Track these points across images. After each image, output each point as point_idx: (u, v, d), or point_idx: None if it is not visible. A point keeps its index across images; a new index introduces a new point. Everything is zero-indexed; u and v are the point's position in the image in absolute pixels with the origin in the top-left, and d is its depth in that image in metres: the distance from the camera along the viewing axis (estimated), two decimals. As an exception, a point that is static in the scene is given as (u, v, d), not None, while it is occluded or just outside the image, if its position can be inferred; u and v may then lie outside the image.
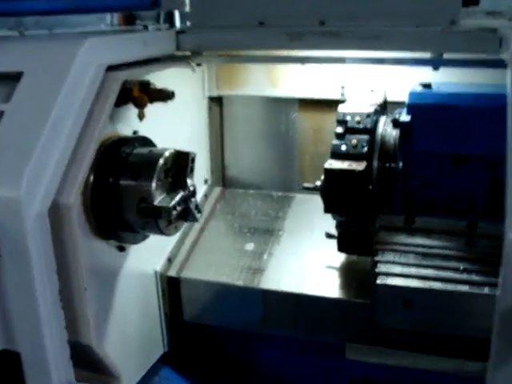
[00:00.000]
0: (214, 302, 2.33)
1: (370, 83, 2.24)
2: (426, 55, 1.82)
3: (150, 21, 2.37)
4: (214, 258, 2.41)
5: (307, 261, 2.32)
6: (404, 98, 2.22)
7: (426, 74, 2.16)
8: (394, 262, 1.78)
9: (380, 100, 2.11)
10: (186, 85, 2.44)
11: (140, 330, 2.18)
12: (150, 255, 2.22)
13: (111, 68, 1.64)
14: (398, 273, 1.73)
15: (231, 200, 2.74)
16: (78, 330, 1.52)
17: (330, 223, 2.18)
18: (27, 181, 1.39)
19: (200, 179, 2.65)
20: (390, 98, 2.24)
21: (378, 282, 1.72)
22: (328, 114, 2.53)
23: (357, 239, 2.06)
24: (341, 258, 2.28)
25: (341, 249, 2.14)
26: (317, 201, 2.39)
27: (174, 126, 2.31)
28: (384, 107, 2.15)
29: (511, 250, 1.06)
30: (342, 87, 2.39)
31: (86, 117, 1.53)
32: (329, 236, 2.21)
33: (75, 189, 1.45)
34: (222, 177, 2.79)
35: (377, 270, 1.75)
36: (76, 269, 1.48)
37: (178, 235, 2.40)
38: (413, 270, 1.73)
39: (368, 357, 1.81)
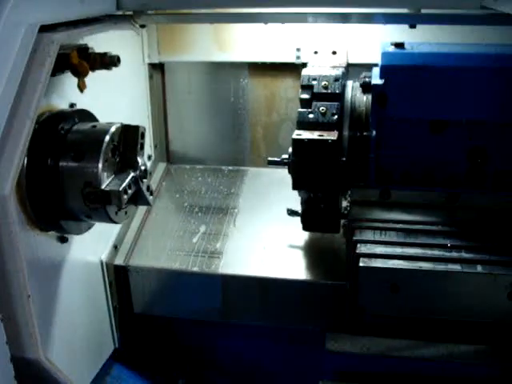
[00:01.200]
0: (167, 291, 2.14)
1: (329, 44, 2.03)
2: (402, 11, 1.64)
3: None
4: (164, 243, 2.21)
5: (268, 241, 2.15)
6: (368, 59, 2.07)
7: (389, 33, 2.02)
8: (374, 242, 1.62)
9: (343, 62, 1.92)
10: (124, 50, 2.14)
11: (88, 328, 1.99)
12: (93, 243, 2.01)
13: (45, 29, 1.36)
14: (381, 253, 1.57)
15: (178, 177, 2.51)
16: (22, 345, 1.28)
17: (288, 198, 2.01)
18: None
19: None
20: (351, 60, 2.06)
21: (361, 264, 1.55)
22: (281, 80, 2.37)
23: (325, 216, 1.88)
24: (304, 235, 2.12)
25: (306, 227, 1.96)
26: (272, 174, 2.21)
27: (111, 96, 2.08)
28: (347, 70, 1.97)
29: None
30: (298, 49, 2.20)
31: (18, 89, 1.25)
32: (292, 213, 2.03)
33: (11, 178, 1.18)
34: (166, 152, 2.56)
35: (358, 251, 1.58)
36: (16, 274, 1.23)
37: (122, 218, 2.16)
38: (397, 250, 1.58)
39: (350, 347, 1.66)
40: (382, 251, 1.58)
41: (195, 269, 2.07)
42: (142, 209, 2.29)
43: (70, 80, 1.66)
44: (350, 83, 1.87)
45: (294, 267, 2.01)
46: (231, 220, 2.26)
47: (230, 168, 2.50)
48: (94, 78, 1.72)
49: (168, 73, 2.44)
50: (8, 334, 1.26)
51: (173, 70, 2.44)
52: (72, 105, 1.78)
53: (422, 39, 1.91)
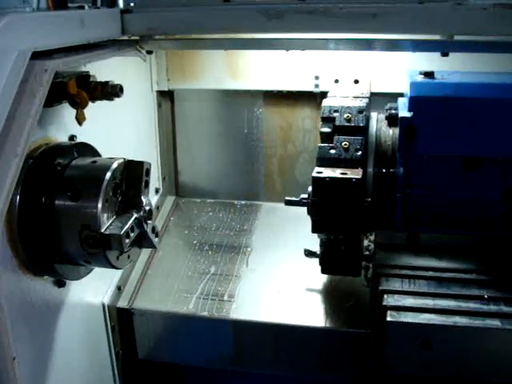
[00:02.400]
0: (174, 337, 1.99)
1: (351, 72, 1.89)
2: (432, 37, 1.49)
3: (86, 3, 1.96)
4: (171, 284, 2.07)
5: (283, 283, 2.00)
6: (392, 88, 1.93)
7: (415, 60, 1.88)
8: (403, 292, 1.45)
9: (366, 92, 1.77)
10: (130, 77, 2.10)
11: (87, 375, 1.85)
12: (95, 284, 1.88)
13: (38, 55, 1.23)
14: (411, 305, 1.40)
15: (187, 211, 2.37)
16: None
17: (305, 236, 1.85)
18: None
19: (150, 189, 2.25)
20: (374, 89, 1.91)
21: (389, 319, 1.38)
22: (298, 109, 2.26)
23: (345, 259, 1.72)
24: (322, 278, 1.97)
25: (325, 270, 1.80)
26: (288, 210, 2.05)
27: (117, 127, 1.98)
28: (370, 101, 1.82)
29: None
30: (317, 77, 2.06)
31: (5, 123, 1.11)
32: (309, 254, 1.88)
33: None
34: (175, 184, 2.44)
35: (385, 303, 1.41)
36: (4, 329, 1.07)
37: (126, 257, 2.01)
38: (429, 302, 1.41)
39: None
40: (411, 303, 1.41)
41: (204, 313, 1.91)
42: (148, 245, 2.15)
43: (69, 110, 1.53)
44: (374, 115, 1.72)
45: (312, 313, 1.86)
46: (243, 259, 2.11)
47: (243, 202, 2.36)
48: (98, 106, 1.60)
49: (178, 101, 2.33)
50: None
51: (183, 98, 2.33)
52: (72, 137, 1.65)
53: (450, 68, 1.76)
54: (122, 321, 1.96)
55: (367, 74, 1.86)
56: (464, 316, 1.37)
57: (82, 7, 1.79)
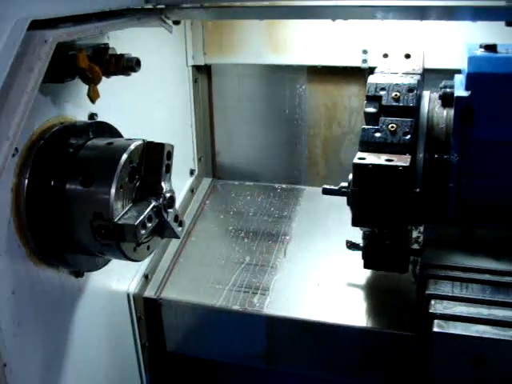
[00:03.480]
0: (205, 330, 1.90)
1: (402, 45, 1.70)
2: (496, 3, 1.28)
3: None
4: (202, 273, 1.98)
5: (323, 277, 1.85)
6: (448, 64, 1.74)
7: (475, 32, 1.69)
8: (454, 298, 1.27)
9: (419, 68, 1.57)
10: (164, 50, 2.04)
11: (111, 367, 1.77)
12: (119, 272, 1.79)
13: (40, 25, 1.09)
14: (462, 315, 1.22)
15: (224, 194, 2.26)
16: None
17: (349, 225, 1.67)
18: None
19: (185, 170, 2.25)
20: (428, 65, 1.72)
21: (436, 330, 1.20)
22: (344, 87, 2.10)
23: (391, 253, 1.55)
24: (365, 273, 1.80)
25: (368, 265, 1.63)
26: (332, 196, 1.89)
27: (147, 105, 1.90)
28: (423, 78, 1.62)
29: None
30: (364, 51, 1.88)
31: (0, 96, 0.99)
32: (352, 246, 1.71)
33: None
34: (211, 166, 2.34)
35: (432, 311, 1.24)
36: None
37: (156, 243, 1.91)
38: (483, 311, 1.23)
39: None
40: (463, 312, 1.23)
41: (236, 307, 1.79)
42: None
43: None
44: (426, 94, 1.54)
45: (353, 311, 1.72)
46: (281, 249, 1.98)
47: (284, 186, 2.23)
48: (125, 81, 1.48)
49: (215, 76, 2.24)
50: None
51: (220, 73, 2.23)
52: (92, 115, 1.53)
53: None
54: (148, 311, 1.90)
55: (420, 48, 1.66)
56: (525, 330, 1.18)
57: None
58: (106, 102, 1.56)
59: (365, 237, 1.60)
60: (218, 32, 2.05)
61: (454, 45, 1.71)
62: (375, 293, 1.77)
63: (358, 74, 2.00)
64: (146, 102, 1.85)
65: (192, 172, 2.19)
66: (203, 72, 2.18)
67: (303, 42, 1.98)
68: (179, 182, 2.14)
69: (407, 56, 1.67)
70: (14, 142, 1.10)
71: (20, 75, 1.07)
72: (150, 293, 1.88)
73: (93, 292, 1.63)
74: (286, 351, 1.81)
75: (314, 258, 1.92)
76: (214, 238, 2.08)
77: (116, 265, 1.72)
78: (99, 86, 1.47)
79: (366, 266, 1.68)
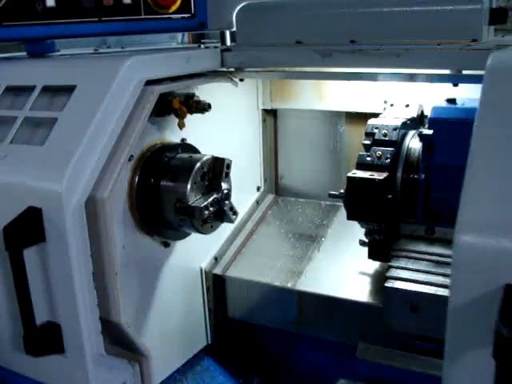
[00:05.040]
0: (256, 301, 2.50)
1: (408, 98, 2.32)
2: (444, 72, 1.89)
3: (215, 39, 2.62)
4: (258, 260, 2.58)
5: (343, 266, 2.43)
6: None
7: (464, 91, 2.24)
8: (405, 268, 1.87)
9: (413, 114, 2.20)
10: (241, 98, 2.64)
11: (182, 322, 2.35)
12: (196, 253, 2.42)
13: (151, 82, 1.86)
14: (406, 278, 1.83)
15: (282, 207, 2.90)
16: (108, 309, 1.74)
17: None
18: (68, 177, 1.63)
19: (252, 186, 2.84)
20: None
21: (387, 285, 1.82)
22: None
23: (384, 247, 2.15)
24: (375, 264, 2.38)
25: (370, 256, 2.24)
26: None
27: (225, 135, 2.50)
28: (420, 121, 2.24)
29: (460, 252, 1.15)
30: (385, 101, 2.49)
31: (124, 125, 1.75)
32: (362, 243, 2.32)
33: (110, 186, 1.67)
34: (275, 185, 2.95)
35: (387, 274, 1.85)
36: (108, 255, 1.70)
37: (225, 237, 2.61)
38: (422, 276, 1.82)
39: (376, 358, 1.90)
40: (408, 276, 1.83)
41: (277, 283, 2.43)
42: (246, 231, 2.73)
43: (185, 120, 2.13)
44: (411, 132, 2.14)
45: (361, 290, 2.27)
46: (317, 246, 2.60)
47: (327, 203, 2.83)
48: (209, 117, 2.13)
49: (279, 118, 2.85)
50: (99, 300, 1.74)
51: (283, 116, 2.84)
52: (183, 139, 2.26)
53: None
54: (215, 284, 2.48)
55: (418, 100, 2.28)
56: (445, 288, 1.76)
57: (199, 45, 2.45)
58: (193, 131, 2.20)
59: (366, 233, 2.23)
60: (281, 84, 2.67)
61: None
62: (379, 278, 2.34)
63: (383, 118, 2.61)
64: (224, 133, 2.42)
65: (258, 188, 2.82)
66: (270, 114, 2.80)
67: (341, 94, 2.56)
68: (248, 195, 2.77)
69: (407, 106, 2.30)
70: (130, 151, 1.84)
71: (138, 111, 1.75)
72: (217, 270, 2.47)
73: (175, 262, 2.21)
74: (311, 319, 2.38)
75: (340, 253, 2.50)
76: (270, 238, 2.73)
77: (193, 247, 2.31)
78: (187, 120, 2.09)
79: (369, 257, 2.29)
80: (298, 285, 2.40)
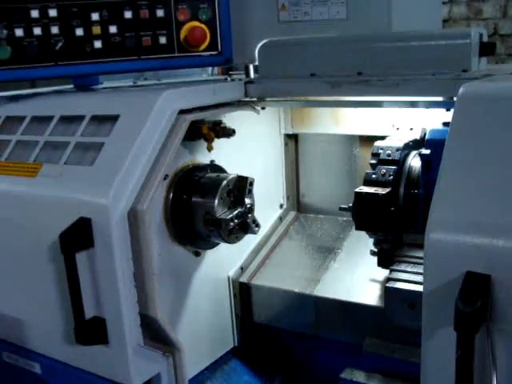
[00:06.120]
0: (278, 306, 2.76)
1: (413, 122, 2.58)
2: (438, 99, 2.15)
3: (242, 70, 2.93)
4: (280, 270, 2.85)
5: (356, 274, 2.69)
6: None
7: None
8: (405, 271, 2.12)
9: (416, 137, 2.46)
10: (264, 124, 2.93)
11: (212, 325, 2.59)
12: (224, 263, 2.69)
13: (184, 111, 2.16)
14: (405, 279, 2.08)
15: (303, 223, 3.17)
16: (146, 305, 2.02)
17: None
18: (114, 192, 1.94)
19: (276, 204, 3.11)
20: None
21: (387, 285, 2.08)
22: None
23: (390, 255, 2.41)
24: (384, 272, 2.62)
25: (379, 264, 2.49)
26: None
27: (250, 157, 2.78)
28: (422, 143, 2.49)
29: (430, 247, 1.41)
30: (393, 125, 2.75)
31: (160, 148, 2.05)
32: (373, 253, 2.57)
33: (148, 199, 1.97)
34: (297, 203, 3.21)
35: (388, 276, 2.11)
36: (147, 258, 1.99)
37: (251, 249, 2.89)
38: (419, 278, 2.06)
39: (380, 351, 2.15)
40: (405, 277, 2.08)
41: (297, 290, 2.69)
42: (270, 243, 3.00)
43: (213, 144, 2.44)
44: (413, 152, 2.40)
45: (370, 295, 2.53)
46: (333, 257, 2.86)
47: (344, 219, 3.08)
48: (235, 141, 2.43)
49: (300, 141, 3.10)
50: (138, 297, 2.04)
51: (304, 139, 3.09)
52: (212, 161, 2.56)
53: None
54: (242, 291, 2.73)
55: (421, 124, 2.54)
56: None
57: (226, 78, 2.77)
58: (221, 153, 2.50)
59: (374, 243, 2.49)
60: (301, 111, 2.91)
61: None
62: (388, 285, 2.60)
63: (393, 141, 2.87)
64: (249, 155, 2.66)
65: (281, 206, 3.05)
66: (292, 138, 3.04)
67: (355, 119, 2.80)
68: (272, 212, 3.01)
69: (411, 129, 2.57)
70: (165, 170, 2.13)
71: (172, 136, 2.02)
72: (243, 279, 2.72)
73: (205, 270, 2.46)
74: (327, 322, 2.65)
75: (354, 263, 2.74)
76: (292, 250, 2.98)
77: (222, 258, 2.61)
78: (216, 144, 2.37)
79: (378, 265, 2.54)
80: (315, 291, 2.65)
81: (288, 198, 3.17)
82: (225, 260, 2.65)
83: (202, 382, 2.60)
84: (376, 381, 2.17)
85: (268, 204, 3.00)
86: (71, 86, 2.89)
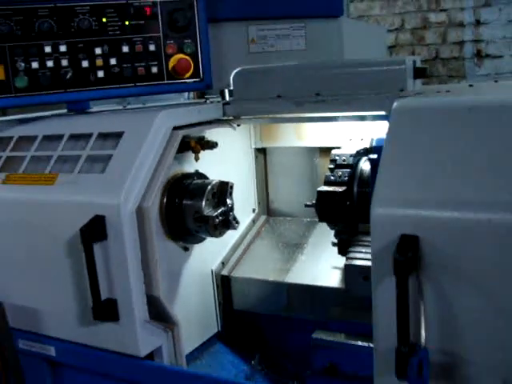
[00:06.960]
0: (253, 293, 3.21)
1: (363, 133, 3.10)
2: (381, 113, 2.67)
3: (216, 94, 3.42)
4: (255, 264, 3.29)
5: (321, 263, 3.17)
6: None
7: None
8: (359, 252, 2.63)
9: (366, 145, 2.99)
10: (238, 139, 3.36)
11: (199, 312, 2.90)
12: (208, 258, 2.97)
13: (176, 128, 2.61)
14: (360, 257, 2.58)
15: (273, 225, 3.63)
16: (151, 286, 2.47)
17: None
18: (124, 193, 2.38)
19: (249, 208, 3.54)
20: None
21: (346, 263, 2.58)
22: None
23: (348, 245, 2.91)
24: (344, 260, 3.12)
25: (339, 252, 2.99)
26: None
27: (227, 167, 3.18)
28: (370, 150, 3.02)
29: (374, 218, 1.91)
30: (350, 139, 3.26)
31: (159, 159, 2.52)
32: (333, 244, 3.07)
33: (151, 199, 2.43)
34: (267, 208, 3.67)
35: (346, 256, 2.61)
36: (151, 247, 2.44)
37: (229, 247, 3.34)
38: (369, 256, 2.56)
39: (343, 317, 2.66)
40: (361, 256, 2.59)
41: (271, 279, 3.17)
42: (245, 242, 3.46)
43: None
44: (364, 158, 2.92)
45: (333, 280, 3.02)
46: (301, 251, 3.34)
47: (308, 219, 3.54)
48: (216, 155, 2.85)
49: (269, 154, 3.55)
50: (145, 280, 2.48)
51: (272, 153, 3.52)
52: (196, 170, 3.02)
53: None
54: (223, 283, 3.12)
55: (370, 135, 3.07)
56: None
57: (205, 101, 3.26)
58: (205, 165, 3.00)
59: (334, 234, 2.99)
60: (269, 128, 3.31)
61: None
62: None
63: (347, 151, 3.39)
64: (226, 166, 2.98)
65: (254, 210, 3.46)
66: (261, 152, 3.44)
67: (315, 133, 3.26)
68: (245, 216, 3.39)
69: (361, 139, 3.09)
70: (164, 176, 2.62)
71: (168, 148, 2.51)
72: (224, 272, 3.09)
73: (193, 264, 2.74)
74: (297, 305, 3.10)
75: (318, 254, 3.23)
76: (265, 247, 3.39)
77: (206, 254, 3.05)
78: (201, 155, 3.00)
79: (338, 253, 3.04)
80: (286, 278, 3.13)
81: (259, 204, 3.63)
82: (209, 256, 2.98)
83: (194, 360, 3.03)
84: (342, 337, 2.65)
85: (242, 209, 3.44)
86: (65, 110, 3.31)
